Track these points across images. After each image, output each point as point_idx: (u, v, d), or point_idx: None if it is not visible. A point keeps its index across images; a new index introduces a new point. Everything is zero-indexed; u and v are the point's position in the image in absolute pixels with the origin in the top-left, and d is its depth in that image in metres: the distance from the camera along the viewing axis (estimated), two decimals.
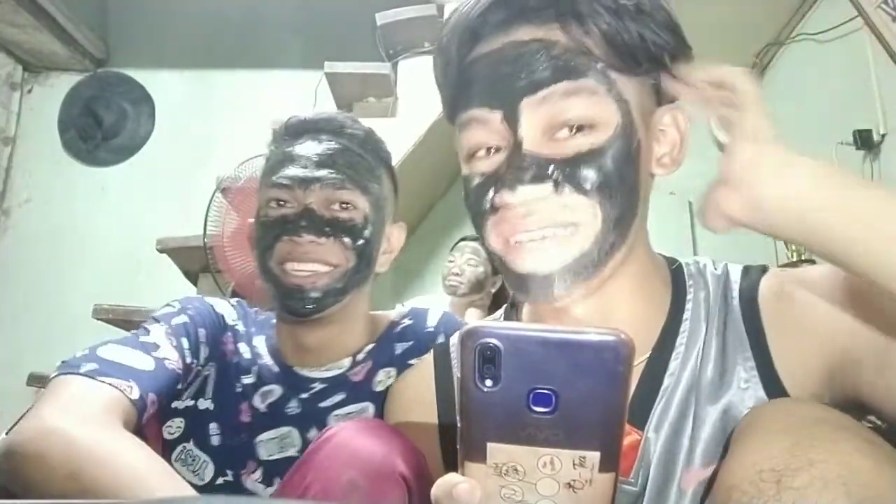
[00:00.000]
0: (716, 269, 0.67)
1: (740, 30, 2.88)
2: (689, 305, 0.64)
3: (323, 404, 0.86)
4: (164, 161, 3.27)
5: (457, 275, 2.33)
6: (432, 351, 0.77)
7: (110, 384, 0.70)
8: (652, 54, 0.58)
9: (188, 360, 0.83)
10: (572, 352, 0.34)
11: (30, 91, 3.38)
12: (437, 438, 0.70)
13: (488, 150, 0.60)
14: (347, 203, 0.85)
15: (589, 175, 0.56)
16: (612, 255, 0.58)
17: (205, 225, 2.08)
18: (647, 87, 0.60)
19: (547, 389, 0.35)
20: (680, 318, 0.64)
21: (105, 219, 3.19)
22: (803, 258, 2.75)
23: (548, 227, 0.56)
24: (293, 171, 0.85)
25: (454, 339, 0.76)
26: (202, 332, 0.87)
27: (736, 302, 0.63)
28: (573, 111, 0.56)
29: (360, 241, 0.85)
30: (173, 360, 0.80)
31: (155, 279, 2.65)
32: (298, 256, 0.83)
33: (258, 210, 0.88)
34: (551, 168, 0.56)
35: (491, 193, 0.58)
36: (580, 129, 0.56)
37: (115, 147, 3.32)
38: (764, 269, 0.65)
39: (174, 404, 0.85)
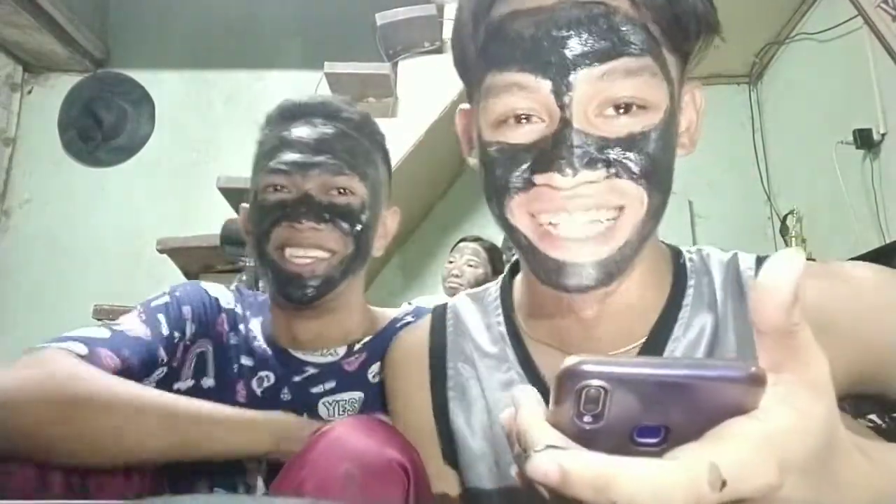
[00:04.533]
0: (723, 256, 0.66)
1: (740, 30, 2.88)
2: (689, 292, 0.63)
3: (314, 390, 0.86)
4: (164, 161, 3.27)
5: (457, 276, 2.32)
6: (431, 313, 0.77)
7: (56, 347, 0.72)
8: (698, 28, 0.54)
9: (165, 331, 0.82)
10: (694, 389, 0.30)
11: (30, 92, 3.39)
12: (429, 396, 0.71)
13: (519, 118, 0.54)
14: (345, 188, 0.85)
15: (641, 161, 0.51)
16: (647, 242, 0.56)
17: None
18: (682, 62, 0.56)
19: (656, 424, 0.31)
20: (679, 304, 0.63)
21: (105, 219, 3.20)
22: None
23: (593, 210, 0.52)
24: (291, 156, 0.84)
25: (451, 303, 0.76)
26: (186, 309, 0.87)
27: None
28: (631, 92, 0.51)
29: (359, 227, 0.85)
30: (137, 331, 0.80)
31: (155, 279, 2.65)
32: (298, 241, 0.82)
33: (254, 195, 0.87)
34: (605, 149, 0.51)
35: (525, 168, 0.53)
36: (629, 108, 0.52)
37: (115, 147, 3.32)
38: None
39: (176, 385, 0.85)
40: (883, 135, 2.35)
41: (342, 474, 0.57)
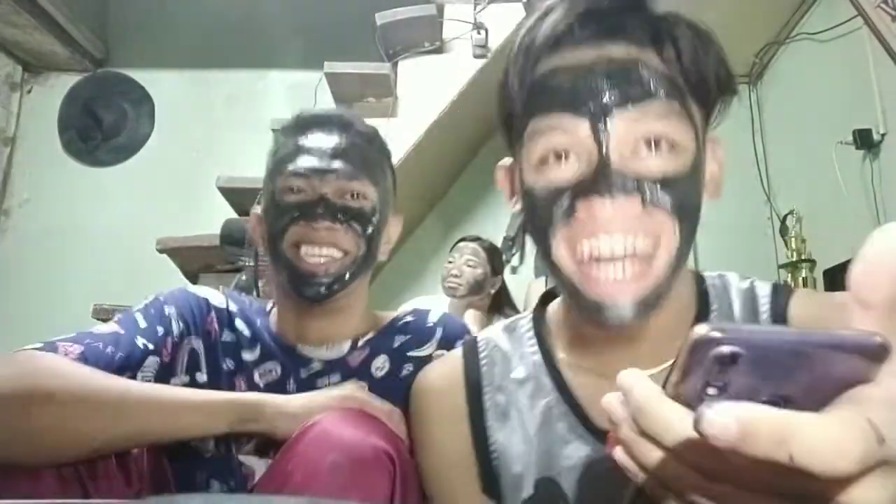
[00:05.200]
0: (742, 283, 0.69)
1: (740, 30, 2.87)
2: (713, 317, 0.66)
3: (320, 383, 0.89)
4: (163, 161, 3.27)
5: (456, 276, 2.32)
6: (462, 346, 0.78)
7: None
8: (718, 88, 0.60)
9: (143, 325, 0.84)
10: (823, 359, 0.30)
11: (29, 91, 3.39)
12: (467, 428, 0.71)
13: (558, 156, 0.58)
14: (359, 193, 0.90)
15: (674, 198, 0.56)
16: (678, 278, 0.60)
17: None
18: (704, 118, 0.62)
19: (777, 396, 0.31)
20: None
21: (105, 219, 3.19)
22: (803, 258, 2.75)
23: (630, 236, 0.56)
24: (309, 161, 0.89)
25: (482, 335, 0.77)
26: (169, 308, 0.89)
27: (766, 317, 0.65)
28: (663, 132, 0.56)
29: (370, 229, 0.90)
30: (106, 328, 0.82)
31: (155, 279, 2.66)
32: (313, 239, 0.87)
33: (270, 197, 0.92)
34: (641, 185, 0.56)
35: (566, 198, 0.57)
36: (659, 148, 0.57)
37: (114, 147, 3.32)
38: (790, 290, 0.66)
39: (172, 381, 0.86)
40: (883, 135, 2.35)
41: (329, 464, 0.59)
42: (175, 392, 0.74)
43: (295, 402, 0.75)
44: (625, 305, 0.56)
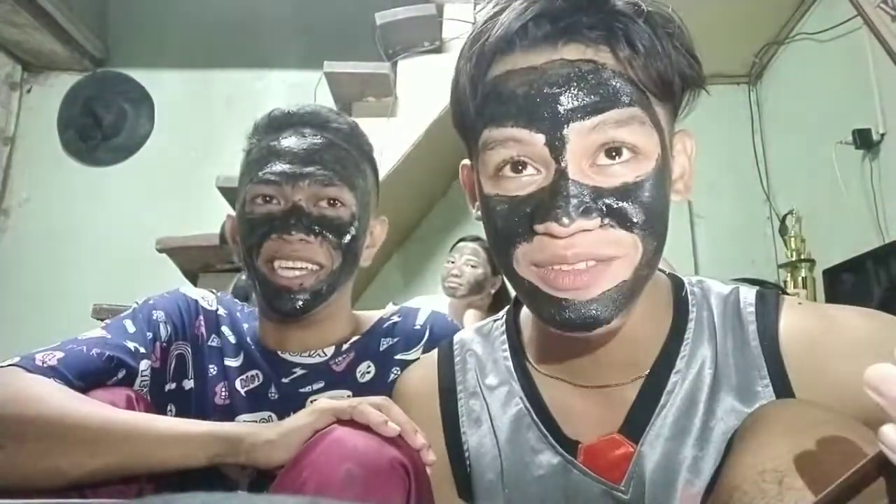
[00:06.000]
0: (723, 289, 0.67)
1: (740, 30, 2.87)
2: (690, 325, 0.64)
3: (302, 390, 0.86)
4: (163, 161, 3.27)
5: (456, 276, 2.32)
6: (437, 349, 0.78)
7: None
8: (682, 83, 0.58)
9: (131, 329, 0.83)
10: None
11: (29, 91, 3.38)
12: (441, 433, 0.71)
13: (516, 165, 0.56)
14: (335, 199, 0.85)
15: (635, 210, 0.54)
16: (645, 283, 0.58)
17: None
18: (670, 113, 0.60)
19: None
20: (681, 337, 0.64)
21: (105, 219, 3.19)
22: (803, 258, 2.75)
23: (592, 261, 0.55)
24: (280, 166, 0.84)
25: (457, 338, 0.77)
26: (158, 312, 0.87)
27: (752, 328, 0.62)
28: (623, 139, 0.54)
29: (347, 239, 0.86)
30: (92, 334, 0.79)
31: (154, 279, 2.65)
32: (287, 254, 0.83)
33: (242, 205, 0.87)
34: (598, 199, 0.54)
35: (525, 218, 0.55)
36: (620, 155, 0.55)
37: (114, 147, 3.32)
38: (778, 295, 0.64)
39: (166, 387, 0.85)
40: (882, 135, 2.35)
41: (343, 474, 0.57)
42: (153, 424, 0.69)
43: (271, 429, 0.69)
44: (585, 302, 0.54)
